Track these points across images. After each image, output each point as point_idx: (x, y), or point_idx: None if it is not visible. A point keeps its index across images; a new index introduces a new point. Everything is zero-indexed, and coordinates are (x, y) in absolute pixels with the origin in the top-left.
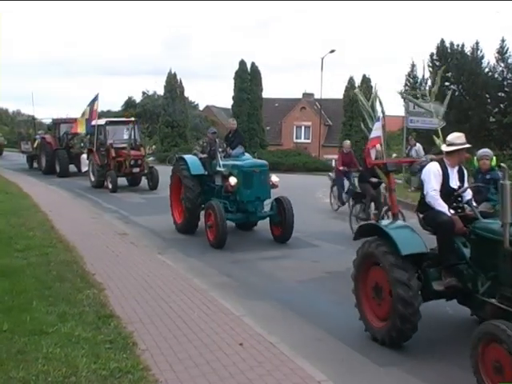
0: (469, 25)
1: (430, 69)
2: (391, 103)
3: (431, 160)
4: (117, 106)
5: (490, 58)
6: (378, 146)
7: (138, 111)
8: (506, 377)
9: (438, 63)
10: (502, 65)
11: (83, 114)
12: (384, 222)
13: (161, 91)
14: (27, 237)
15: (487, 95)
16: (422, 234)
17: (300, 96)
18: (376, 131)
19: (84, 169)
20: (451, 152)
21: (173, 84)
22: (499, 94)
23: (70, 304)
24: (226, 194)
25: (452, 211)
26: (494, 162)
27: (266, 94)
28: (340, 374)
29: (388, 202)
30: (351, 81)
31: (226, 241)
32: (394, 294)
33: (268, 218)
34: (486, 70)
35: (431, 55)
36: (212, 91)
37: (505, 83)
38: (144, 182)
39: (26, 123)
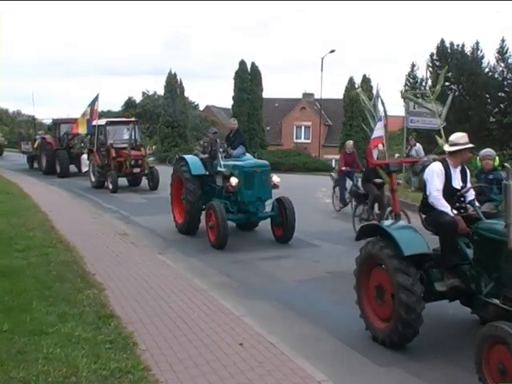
0: (469, 25)
1: (430, 69)
2: (391, 103)
3: (434, 160)
4: (117, 106)
5: (490, 58)
6: (380, 146)
7: (138, 111)
8: (510, 378)
9: (438, 63)
10: (502, 65)
11: (84, 115)
12: (386, 223)
13: (161, 91)
14: (27, 237)
15: (487, 95)
16: (425, 234)
17: (300, 96)
18: (378, 131)
19: (84, 169)
20: (454, 152)
21: (173, 84)
22: (499, 94)
23: (70, 304)
24: (227, 194)
25: (455, 211)
26: (496, 162)
27: (266, 94)
28: (340, 373)
29: (390, 203)
30: (351, 81)
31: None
32: (397, 300)
33: (269, 219)
34: (486, 70)
35: (431, 55)
36: (212, 91)
37: (505, 83)
38: (144, 182)
39: (26, 123)
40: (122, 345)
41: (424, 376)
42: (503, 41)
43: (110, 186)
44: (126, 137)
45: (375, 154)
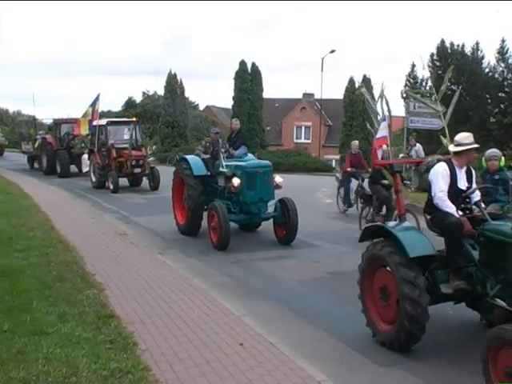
0: (469, 25)
1: (431, 69)
2: (391, 103)
3: (438, 160)
4: (117, 107)
5: (490, 58)
6: (384, 146)
7: (138, 111)
8: None
9: (438, 63)
10: (503, 65)
11: (85, 115)
12: (391, 224)
13: (161, 91)
14: (27, 237)
15: (487, 95)
16: (429, 235)
17: (300, 96)
18: (382, 131)
19: (85, 169)
20: (459, 152)
21: (173, 84)
22: (499, 94)
23: (71, 304)
24: (229, 194)
25: (460, 212)
26: (502, 163)
27: (266, 94)
28: (340, 373)
29: (393, 204)
30: (351, 81)
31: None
32: (401, 294)
33: (271, 220)
34: (487, 70)
35: (431, 55)
36: (212, 91)
37: (505, 83)
38: (145, 182)
39: (26, 123)
40: (122, 345)
41: (424, 376)
42: (503, 41)
43: (111, 187)
44: (127, 137)
45: (380, 154)
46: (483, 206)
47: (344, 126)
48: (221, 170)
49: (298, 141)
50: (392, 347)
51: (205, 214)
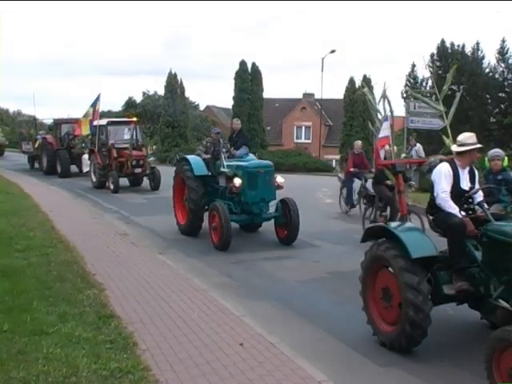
0: (469, 25)
1: (431, 69)
2: (391, 103)
3: (441, 160)
4: (117, 107)
5: (490, 58)
6: (386, 146)
7: (138, 111)
8: None
9: (438, 63)
10: (503, 65)
11: (86, 115)
12: (393, 224)
13: (161, 91)
14: (28, 237)
15: (488, 96)
16: (432, 235)
17: (300, 96)
18: (384, 131)
19: (85, 169)
20: (462, 152)
21: (173, 84)
22: (500, 94)
23: (71, 304)
24: (230, 195)
25: (463, 213)
26: (505, 163)
27: (266, 94)
28: (340, 374)
29: (397, 205)
30: (352, 81)
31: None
32: (404, 299)
33: (273, 220)
34: (487, 70)
35: (431, 55)
36: (212, 91)
37: (505, 84)
38: (146, 182)
39: (27, 123)
40: (122, 345)
41: (424, 376)
42: (504, 41)
43: (111, 187)
44: (128, 137)
45: (382, 154)
46: (486, 206)
47: (344, 126)
48: (222, 170)
49: (299, 141)
50: (392, 348)
51: (205, 214)
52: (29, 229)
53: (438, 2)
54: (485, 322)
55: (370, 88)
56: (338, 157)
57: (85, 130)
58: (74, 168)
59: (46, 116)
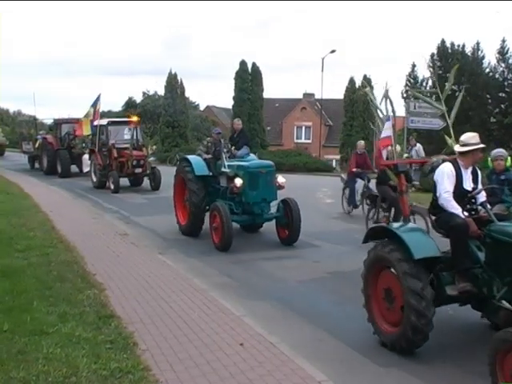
0: (469, 25)
1: (431, 69)
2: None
3: (443, 161)
4: (117, 106)
5: (490, 58)
6: (389, 146)
7: (138, 111)
8: None
9: (438, 63)
10: (503, 65)
11: (87, 115)
12: (395, 225)
13: (161, 91)
14: (28, 237)
15: (488, 95)
16: (434, 236)
17: (300, 96)
18: (386, 131)
19: (86, 169)
20: (465, 152)
21: (173, 84)
22: (500, 94)
23: (71, 304)
24: (231, 195)
25: (465, 213)
26: (508, 163)
27: (266, 94)
28: (340, 374)
29: (401, 206)
30: (352, 81)
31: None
32: (407, 304)
33: (274, 220)
34: (487, 70)
35: (432, 55)
36: (212, 91)
37: (505, 83)
38: (146, 182)
39: (27, 123)
40: (122, 345)
41: (425, 377)
42: (504, 41)
43: (112, 187)
44: (128, 137)
45: (384, 154)
46: (489, 206)
47: (344, 126)
48: (223, 170)
49: (299, 141)
50: (393, 349)
51: (206, 214)
52: (29, 229)
53: (437, 2)
54: (486, 322)
55: (371, 88)
56: (338, 157)
57: (86, 131)
58: (74, 168)
59: (47, 116)
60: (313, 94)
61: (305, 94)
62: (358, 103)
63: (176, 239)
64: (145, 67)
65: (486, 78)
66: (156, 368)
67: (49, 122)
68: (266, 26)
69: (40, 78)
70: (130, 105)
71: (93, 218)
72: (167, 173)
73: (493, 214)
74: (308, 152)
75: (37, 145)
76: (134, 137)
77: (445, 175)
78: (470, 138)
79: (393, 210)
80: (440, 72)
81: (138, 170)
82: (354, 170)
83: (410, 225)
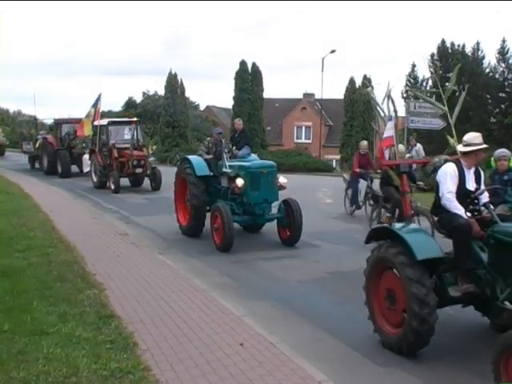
0: (469, 25)
1: (431, 69)
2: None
3: (445, 161)
4: (117, 107)
5: (490, 58)
6: (394, 147)
7: (138, 111)
8: None
9: (438, 63)
10: (503, 65)
11: (88, 116)
12: (397, 226)
13: (161, 91)
14: (28, 237)
15: (488, 96)
16: (437, 237)
17: (301, 96)
18: (388, 131)
19: (86, 169)
20: (468, 152)
21: (173, 84)
22: (500, 94)
23: (71, 304)
24: (232, 195)
25: (468, 214)
26: None
27: (266, 94)
28: (340, 374)
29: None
30: (352, 81)
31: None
32: (408, 295)
33: (275, 221)
34: (487, 70)
35: (432, 55)
36: (212, 91)
37: (505, 84)
38: (146, 182)
39: (27, 123)
40: (122, 345)
41: (425, 377)
42: (504, 41)
43: (112, 187)
44: (128, 137)
45: (387, 154)
46: (492, 207)
47: (344, 126)
48: (224, 170)
49: (299, 141)
50: (391, 349)
51: (207, 214)
52: (29, 229)
53: (438, 2)
54: (486, 322)
55: (371, 88)
56: (338, 157)
57: (87, 131)
58: (74, 168)
59: (47, 116)
60: (313, 94)
61: (305, 94)
62: (358, 103)
63: (176, 239)
64: (145, 67)
65: (486, 78)
66: (156, 368)
67: (49, 122)
68: (265, 25)
69: (40, 78)
70: (130, 105)
71: (93, 218)
72: (167, 173)
73: (496, 214)
74: (308, 152)
75: (37, 145)
76: (135, 137)
77: (448, 175)
78: (474, 138)
79: (397, 210)
80: (440, 72)
81: (139, 170)
82: (357, 170)
83: (413, 225)
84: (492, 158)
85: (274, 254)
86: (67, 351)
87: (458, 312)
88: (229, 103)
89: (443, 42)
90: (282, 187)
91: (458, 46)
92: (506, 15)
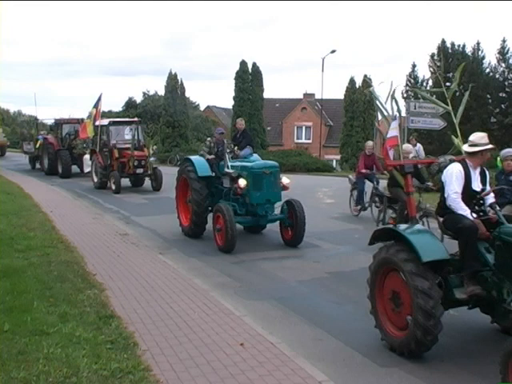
0: (469, 25)
1: (431, 69)
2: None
3: (450, 161)
4: (117, 107)
5: (491, 58)
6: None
7: (138, 112)
8: None
9: (438, 63)
10: (503, 65)
11: (89, 116)
12: (402, 227)
13: (161, 91)
14: (28, 237)
15: (488, 96)
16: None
17: (301, 96)
18: (393, 131)
19: (86, 169)
20: (474, 153)
21: (173, 84)
22: (500, 94)
23: (71, 304)
24: (234, 196)
25: (474, 215)
26: None
27: (266, 95)
28: (341, 374)
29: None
30: (352, 81)
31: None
32: (415, 305)
33: (278, 221)
34: (487, 70)
35: (432, 55)
36: (213, 91)
37: (506, 84)
38: (147, 182)
39: (28, 123)
40: (122, 345)
41: (425, 377)
42: (504, 41)
43: (113, 187)
44: (129, 137)
45: (391, 154)
46: (498, 208)
47: (345, 126)
48: (226, 170)
49: (299, 141)
50: (402, 354)
51: (209, 215)
52: (29, 229)
53: (438, 2)
54: (486, 322)
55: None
56: (338, 157)
57: (90, 132)
58: (75, 168)
59: (47, 116)
60: (313, 94)
61: (305, 94)
62: (358, 103)
63: (176, 239)
64: (145, 67)
65: (487, 78)
66: (156, 368)
67: (50, 122)
68: (265, 25)
69: (41, 78)
70: (130, 105)
71: (93, 218)
72: (167, 173)
73: (502, 215)
74: (308, 152)
75: (38, 145)
76: (136, 137)
77: (453, 176)
78: (480, 138)
79: (406, 212)
80: (439, 72)
81: (140, 171)
82: (363, 171)
83: (418, 226)
84: (498, 158)
85: (274, 254)
86: (67, 351)
87: (459, 312)
88: (229, 103)
89: (443, 42)
90: (284, 188)
91: (459, 46)
92: (506, 15)
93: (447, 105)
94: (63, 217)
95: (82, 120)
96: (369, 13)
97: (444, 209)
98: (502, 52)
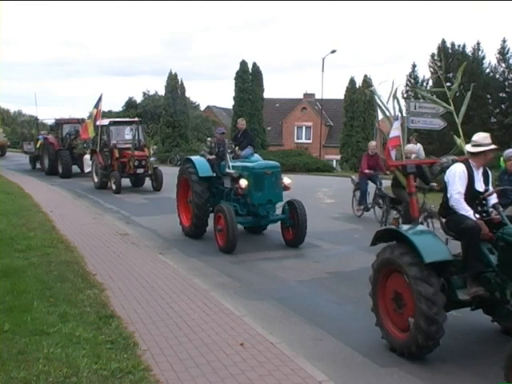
0: (469, 25)
1: (431, 69)
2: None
3: (453, 161)
4: (118, 107)
5: (491, 58)
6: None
7: (139, 112)
8: None
9: (438, 63)
10: (503, 65)
11: (90, 117)
12: (404, 227)
13: (162, 91)
14: (28, 237)
15: (488, 96)
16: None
17: (301, 96)
18: (395, 131)
19: (87, 169)
20: (477, 153)
21: (174, 84)
22: (500, 94)
23: (71, 304)
24: (235, 196)
25: (477, 215)
26: None
27: (266, 95)
28: (341, 374)
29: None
30: (352, 81)
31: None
32: (418, 309)
33: (279, 222)
34: (487, 70)
35: (432, 55)
36: (213, 91)
37: (506, 84)
38: (147, 182)
39: (28, 123)
40: (122, 345)
41: (425, 377)
42: (504, 41)
43: (113, 187)
44: (130, 137)
45: (393, 154)
46: (501, 208)
47: (345, 126)
48: (227, 171)
49: (299, 141)
50: (402, 355)
51: (210, 216)
52: (29, 229)
53: (438, 2)
54: (486, 322)
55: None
56: (338, 157)
57: (91, 132)
58: (75, 168)
59: (48, 116)
60: (313, 94)
61: (305, 94)
62: (358, 103)
63: (176, 239)
64: (145, 67)
65: (487, 79)
66: (156, 368)
67: (50, 122)
68: (265, 26)
69: (41, 78)
70: (131, 105)
71: (93, 218)
72: (167, 173)
73: (505, 216)
74: (308, 152)
75: (38, 145)
76: (136, 137)
77: (456, 176)
78: (483, 138)
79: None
80: (440, 72)
81: (140, 171)
82: (366, 171)
83: (420, 227)
84: (502, 158)
85: (274, 254)
86: (67, 351)
87: (462, 313)
88: (229, 103)
89: (443, 42)
90: (286, 188)
91: (459, 46)
92: (505, 15)
93: (449, 105)
94: (63, 217)
95: (83, 120)
96: (369, 13)
97: (447, 209)
98: (502, 52)
